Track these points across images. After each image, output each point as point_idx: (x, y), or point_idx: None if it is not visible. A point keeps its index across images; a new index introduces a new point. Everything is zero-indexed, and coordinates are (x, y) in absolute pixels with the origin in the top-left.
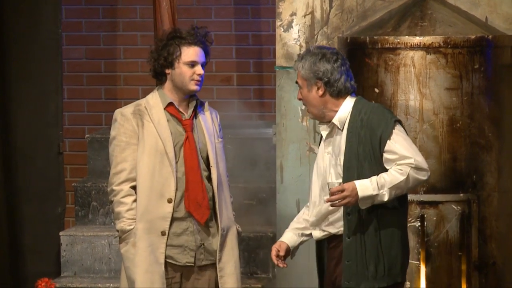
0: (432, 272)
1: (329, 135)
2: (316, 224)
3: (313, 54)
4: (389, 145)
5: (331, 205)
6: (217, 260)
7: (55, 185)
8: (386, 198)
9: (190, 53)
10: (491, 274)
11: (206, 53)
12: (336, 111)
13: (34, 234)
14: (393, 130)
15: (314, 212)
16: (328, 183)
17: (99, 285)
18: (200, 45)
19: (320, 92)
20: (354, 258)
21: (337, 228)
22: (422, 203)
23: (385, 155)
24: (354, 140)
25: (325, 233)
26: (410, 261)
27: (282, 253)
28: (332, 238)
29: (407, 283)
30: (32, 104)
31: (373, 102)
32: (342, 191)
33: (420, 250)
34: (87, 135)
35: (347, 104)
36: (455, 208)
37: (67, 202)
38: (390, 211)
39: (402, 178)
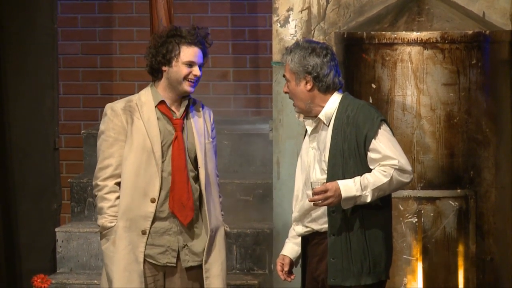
0: (429, 268)
1: (314, 130)
2: (299, 219)
3: (302, 48)
4: (374, 144)
5: (314, 205)
6: (203, 261)
7: (51, 181)
8: (368, 199)
9: (189, 53)
10: (489, 270)
11: (205, 54)
12: (323, 107)
13: (29, 230)
14: (379, 130)
15: (297, 207)
16: (311, 182)
17: (95, 281)
18: (200, 46)
19: (309, 87)
20: (340, 255)
21: (320, 224)
22: (419, 199)
23: (369, 154)
24: (340, 137)
25: (308, 229)
26: (407, 257)
27: (286, 268)
28: (314, 235)
29: (404, 279)
30: (27, 99)
31: (366, 99)
32: (325, 191)
33: (417, 246)
34: (83, 131)
35: (334, 100)
36: (453, 204)
37: (63, 198)
38: (374, 209)
39: (385, 180)
